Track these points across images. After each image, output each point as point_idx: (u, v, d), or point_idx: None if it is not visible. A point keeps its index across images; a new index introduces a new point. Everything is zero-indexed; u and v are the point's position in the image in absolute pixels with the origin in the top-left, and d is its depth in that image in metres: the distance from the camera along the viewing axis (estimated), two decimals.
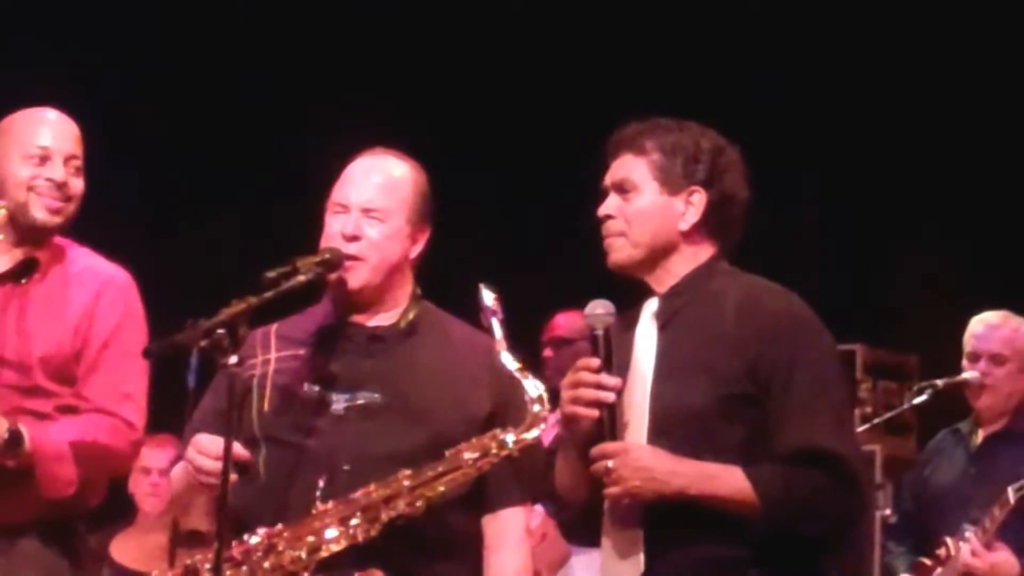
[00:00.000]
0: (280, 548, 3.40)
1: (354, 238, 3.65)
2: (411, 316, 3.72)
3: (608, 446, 3.44)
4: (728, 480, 3.41)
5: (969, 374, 5.55)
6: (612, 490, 3.43)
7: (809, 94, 7.26)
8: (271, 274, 3.54)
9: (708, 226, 3.59)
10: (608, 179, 3.63)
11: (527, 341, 3.67)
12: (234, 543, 3.41)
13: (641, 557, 3.46)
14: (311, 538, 3.40)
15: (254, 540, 3.42)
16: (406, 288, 3.73)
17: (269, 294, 3.52)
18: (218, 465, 3.39)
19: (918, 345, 7.28)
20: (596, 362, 3.48)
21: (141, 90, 7.40)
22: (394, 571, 3.45)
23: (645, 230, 3.56)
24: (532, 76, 7.46)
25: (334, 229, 3.67)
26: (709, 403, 3.46)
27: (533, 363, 3.65)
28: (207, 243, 7.30)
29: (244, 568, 3.41)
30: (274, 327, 3.76)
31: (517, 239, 7.33)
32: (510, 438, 3.44)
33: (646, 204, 3.57)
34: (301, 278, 3.56)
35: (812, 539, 3.46)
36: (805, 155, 7.29)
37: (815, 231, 7.41)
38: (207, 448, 3.51)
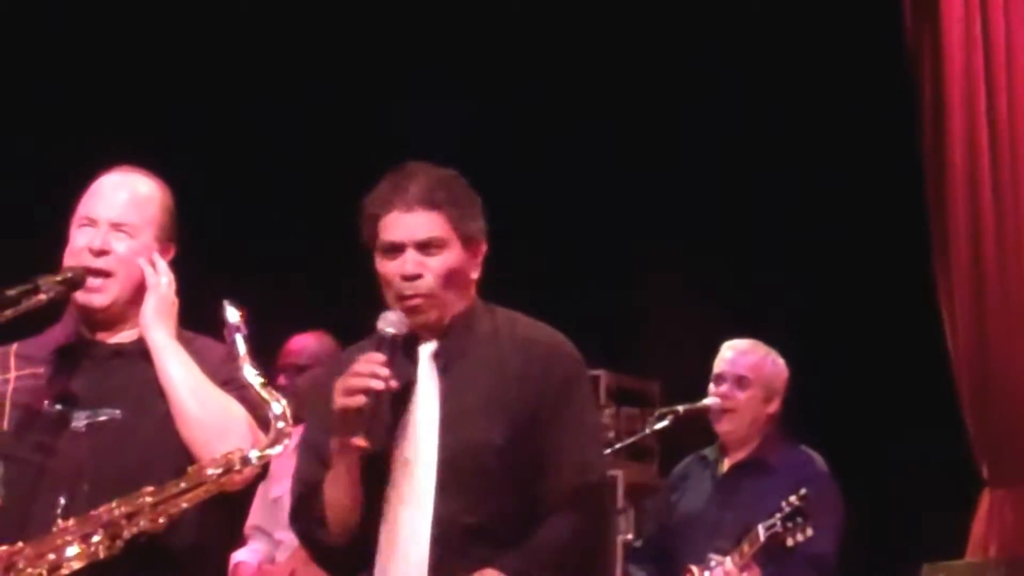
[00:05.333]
0: (20, 566, 3.34)
1: (102, 252, 3.64)
2: None
3: None
4: None
5: (710, 400, 5.58)
6: None
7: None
8: (11, 292, 3.50)
9: None
10: (405, 235, 3.61)
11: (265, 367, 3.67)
12: None
13: None
14: (52, 556, 3.35)
15: None
16: None
17: (9, 312, 3.48)
18: None
19: (660, 372, 7.39)
20: (381, 357, 3.50)
21: None
22: None
23: (452, 288, 3.61)
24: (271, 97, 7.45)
25: (81, 243, 3.66)
26: (506, 441, 3.52)
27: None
28: None
29: None
30: (14, 347, 3.71)
31: (258, 261, 7.28)
32: (254, 454, 3.43)
33: (454, 262, 3.62)
34: (42, 297, 3.54)
35: None
36: (549, 186, 7.37)
37: (559, 256, 7.48)
38: None
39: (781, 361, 5.64)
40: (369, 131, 7.32)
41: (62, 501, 3.45)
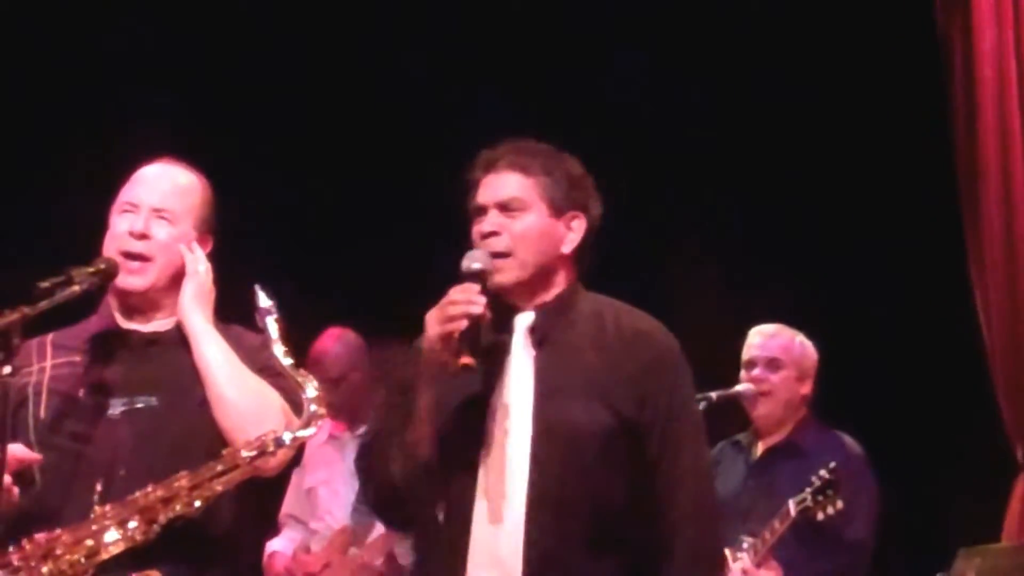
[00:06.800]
0: (59, 552, 3.38)
1: (143, 236, 3.69)
2: None
3: None
4: None
5: (743, 386, 5.59)
6: None
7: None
8: (44, 284, 3.52)
9: (577, 250, 3.70)
10: (488, 197, 3.66)
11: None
12: (11, 548, 3.38)
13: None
14: (90, 542, 3.38)
15: (31, 546, 3.39)
16: None
17: (43, 304, 3.49)
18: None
19: (691, 359, 7.36)
20: (475, 286, 3.53)
21: None
22: (173, 572, 3.45)
23: (532, 250, 3.62)
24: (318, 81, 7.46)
25: (122, 228, 3.70)
26: (607, 427, 3.54)
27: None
28: None
29: (22, 574, 3.37)
30: (49, 336, 3.75)
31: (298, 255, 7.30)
32: (287, 435, 3.45)
33: (534, 224, 3.63)
34: (76, 288, 3.56)
35: None
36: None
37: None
38: None
39: (809, 343, 5.66)
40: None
41: (99, 488, 3.49)
